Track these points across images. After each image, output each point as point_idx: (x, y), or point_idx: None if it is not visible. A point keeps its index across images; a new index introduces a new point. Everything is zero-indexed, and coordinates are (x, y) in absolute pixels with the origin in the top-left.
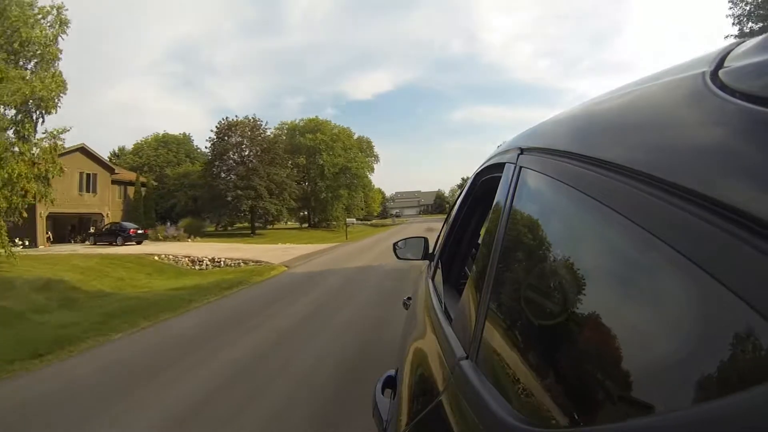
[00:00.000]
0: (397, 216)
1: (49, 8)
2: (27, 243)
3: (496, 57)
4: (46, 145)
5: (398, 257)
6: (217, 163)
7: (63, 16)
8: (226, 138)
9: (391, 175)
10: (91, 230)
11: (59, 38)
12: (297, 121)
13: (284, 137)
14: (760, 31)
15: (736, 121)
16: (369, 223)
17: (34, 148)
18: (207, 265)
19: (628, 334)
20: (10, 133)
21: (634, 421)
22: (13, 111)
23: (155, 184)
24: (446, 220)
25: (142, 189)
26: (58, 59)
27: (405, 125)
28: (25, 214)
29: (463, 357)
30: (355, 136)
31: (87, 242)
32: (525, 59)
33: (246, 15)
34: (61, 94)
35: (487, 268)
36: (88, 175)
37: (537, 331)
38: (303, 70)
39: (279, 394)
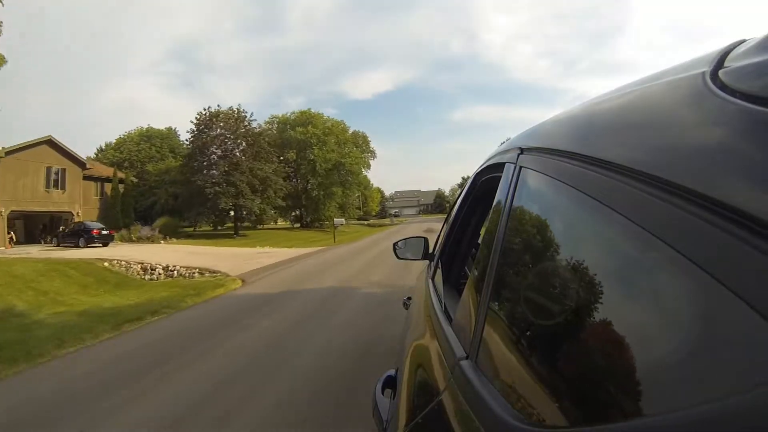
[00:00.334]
0: (396, 216)
1: None
2: None
3: (496, 57)
4: None
5: (398, 257)
6: (198, 157)
7: None
8: (206, 130)
9: (391, 174)
10: (61, 230)
11: None
12: (288, 114)
13: (274, 131)
14: None
15: (736, 121)
16: (366, 223)
17: None
18: (159, 274)
19: (628, 334)
20: None
21: (634, 421)
22: None
23: (135, 180)
24: (446, 219)
25: (120, 186)
26: None
27: (405, 125)
28: None
29: (463, 357)
30: (350, 131)
31: (51, 243)
32: (525, 59)
33: (246, 14)
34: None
35: (487, 268)
36: (56, 170)
37: (537, 331)
38: (303, 69)
39: None
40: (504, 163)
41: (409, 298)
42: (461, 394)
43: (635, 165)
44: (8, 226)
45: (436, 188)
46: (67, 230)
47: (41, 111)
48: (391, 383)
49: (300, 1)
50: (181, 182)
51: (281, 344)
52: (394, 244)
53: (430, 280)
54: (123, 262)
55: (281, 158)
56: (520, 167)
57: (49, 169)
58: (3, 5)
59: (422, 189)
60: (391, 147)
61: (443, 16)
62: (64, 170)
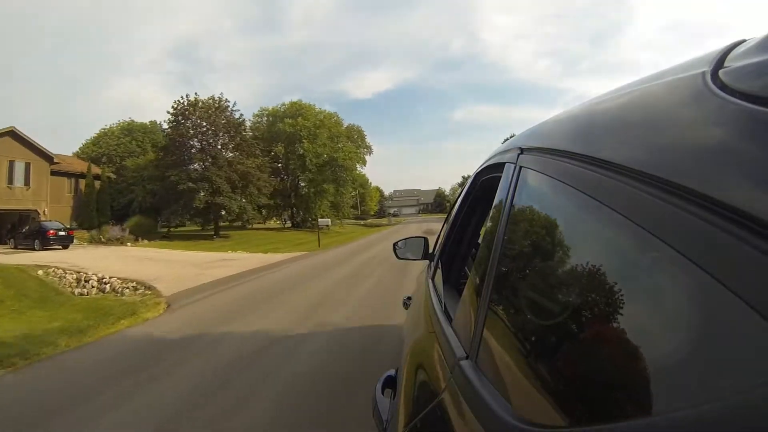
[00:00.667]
0: (395, 215)
1: None
2: None
3: (496, 56)
4: None
5: (398, 257)
6: (175, 150)
7: None
8: (184, 121)
9: (391, 174)
10: (21, 230)
11: None
12: (279, 106)
13: (264, 125)
14: None
15: (736, 121)
16: (362, 223)
17: None
18: (92, 287)
19: (628, 334)
20: None
21: (634, 421)
22: None
23: (113, 176)
24: (446, 219)
25: (96, 182)
26: None
27: (405, 124)
28: None
29: (463, 357)
30: (345, 125)
31: (9, 245)
32: (525, 59)
33: (246, 13)
34: None
35: (487, 268)
36: (19, 164)
37: (537, 331)
38: (303, 68)
39: None
40: (504, 163)
41: (409, 298)
42: (461, 394)
43: (635, 165)
44: None
45: (436, 187)
46: (24, 231)
47: (40, 110)
48: (391, 383)
49: (300, 1)
50: (157, 178)
51: None
52: (394, 244)
53: (430, 280)
54: (60, 271)
55: (271, 152)
56: (520, 167)
57: (11, 163)
58: None
59: (422, 188)
60: (391, 146)
61: (443, 15)
62: (28, 164)
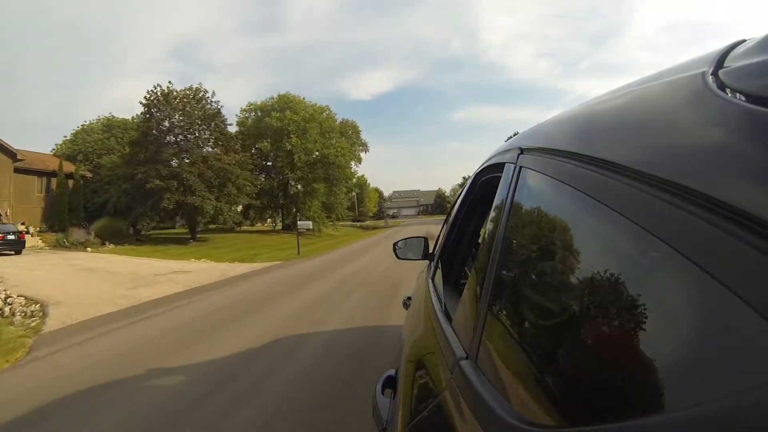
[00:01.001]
0: (393, 217)
1: None
2: None
3: (496, 57)
4: None
5: (398, 257)
6: (149, 146)
7: None
8: (157, 113)
9: (391, 175)
10: None
11: None
12: (267, 100)
13: (250, 121)
14: None
15: (736, 121)
16: (358, 225)
17: None
18: None
19: (628, 334)
20: None
21: (633, 421)
22: None
23: (89, 175)
24: (446, 220)
25: (70, 181)
26: None
27: (405, 125)
28: None
29: (463, 357)
30: (339, 120)
31: None
32: (525, 59)
33: (246, 13)
34: None
35: (487, 268)
36: None
37: (537, 331)
38: (302, 69)
39: None
40: (504, 163)
41: (409, 298)
42: (461, 394)
43: (635, 165)
44: None
45: (436, 188)
46: None
47: (39, 112)
48: (391, 383)
49: (300, 1)
50: (129, 176)
51: None
52: (394, 245)
53: (430, 280)
54: None
55: (257, 148)
56: (520, 167)
57: None
58: None
59: (422, 189)
60: (391, 147)
61: (444, 16)
62: None
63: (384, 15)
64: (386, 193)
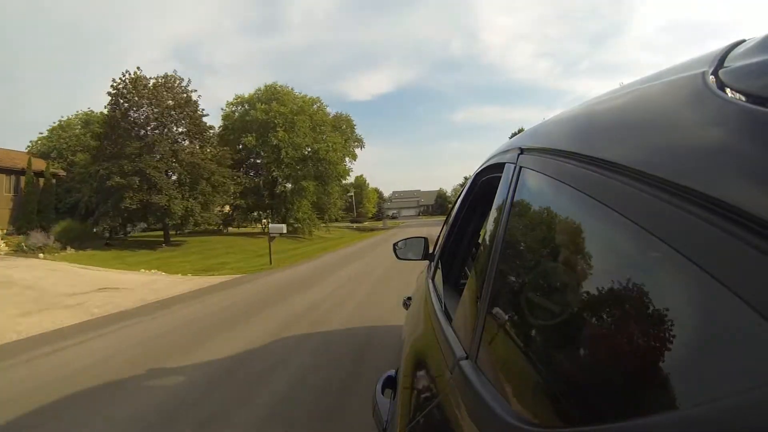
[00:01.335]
0: (393, 218)
1: None
2: None
3: (496, 57)
4: None
5: (398, 257)
6: (118, 139)
7: None
8: (125, 103)
9: (391, 175)
10: None
11: None
12: (254, 92)
13: (236, 115)
14: None
15: (736, 121)
16: (355, 226)
17: None
18: None
19: (627, 334)
20: None
21: (633, 421)
22: None
23: (62, 173)
24: (446, 220)
25: (40, 180)
26: None
27: (405, 125)
28: None
29: (463, 357)
30: (332, 114)
31: None
32: (525, 59)
33: (246, 13)
34: None
35: (487, 268)
36: None
37: (537, 331)
38: (302, 69)
39: None
40: (504, 163)
41: (409, 298)
42: (461, 394)
43: (635, 165)
44: None
45: (436, 188)
46: None
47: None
48: (391, 383)
49: (300, 1)
50: (95, 174)
51: None
52: (394, 245)
53: (430, 280)
54: None
55: (242, 144)
56: (520, 167)
57: None
58: None
59: (422, 189)
60: (391, 147)
61: (444, 16)
62: None
63: (384, 15)
64: (386, 194)
